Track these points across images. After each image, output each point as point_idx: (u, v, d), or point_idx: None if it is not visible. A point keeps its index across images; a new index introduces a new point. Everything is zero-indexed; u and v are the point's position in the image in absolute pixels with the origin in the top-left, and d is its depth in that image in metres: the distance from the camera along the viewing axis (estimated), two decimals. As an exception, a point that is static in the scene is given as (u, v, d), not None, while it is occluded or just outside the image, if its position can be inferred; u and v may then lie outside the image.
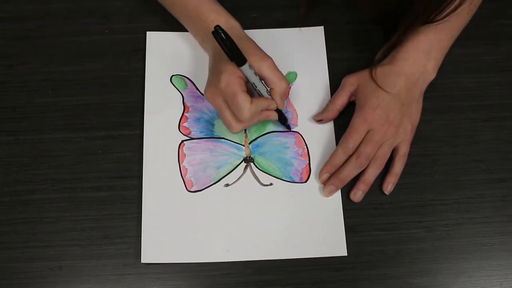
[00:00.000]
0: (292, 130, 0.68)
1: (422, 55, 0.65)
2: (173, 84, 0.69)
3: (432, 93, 0.68)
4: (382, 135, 0.63)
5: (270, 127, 0.68)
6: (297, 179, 0.65)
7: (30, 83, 0.69)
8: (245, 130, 0.68)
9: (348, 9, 0.73)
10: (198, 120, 0.68)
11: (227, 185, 0.65)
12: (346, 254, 0.61)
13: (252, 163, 0.66)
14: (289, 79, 0.70)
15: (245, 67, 0.58)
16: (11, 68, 0.70)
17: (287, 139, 0.67)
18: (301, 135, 0.67)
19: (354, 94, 0.66)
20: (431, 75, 0.66)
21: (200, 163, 0.65)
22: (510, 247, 0.63)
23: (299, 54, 0.71)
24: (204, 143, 0.67)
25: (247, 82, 0.60)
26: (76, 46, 0.71)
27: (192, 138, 0.67)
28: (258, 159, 0.66)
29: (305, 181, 0.65)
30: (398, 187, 0.65)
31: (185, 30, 0.70)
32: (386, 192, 0.64)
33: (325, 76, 0.70)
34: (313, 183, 0.65)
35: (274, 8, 0.73)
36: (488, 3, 0.69)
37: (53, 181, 0.65)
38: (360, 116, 0.64)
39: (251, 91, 0.61)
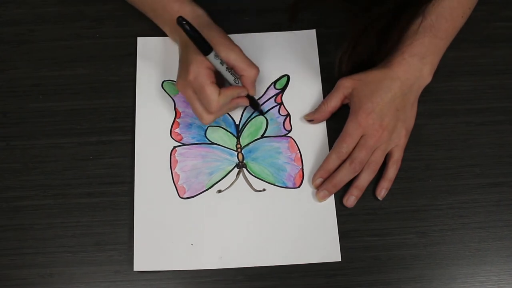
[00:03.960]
0: (285, 134, 0.67)
1: (417, 59, 0.64)
2: (164, 90, 0.69)
3: (426, 96, 0.67)
4: (376, 140, 0.63)
5: (263, 132, 0.67)
6: (290, 185, 0.65)
7: (21, 88, 0.69)
8: (238, 137, 0.67)
9: (340, 11, 0.72)
10: (190, 126, 0.67)
11: (219, 191, 0.64)
12: (340, 260, 0.61)
13: (244, 169, 0.66)
14: (281, 82, 0.69)
15: (211, 56, 0.58)
16: (1, 72, 0.70)
17: (280, 144, 0.67)
18: (294, 140, 0.67)
19: (348, 97, 0.66)
20: (426, 79, 0.65)
21: (192, 169, 0.65)
22: (504, 253, 0.62)
23: (291, 58, 0.70)
24: (196, 149, 0.66)
25: (216, 70, 0.61)
26: (67, 51, 0.70)
27: (184, 144, 0.66)
28: (251, 164, 0.66)
29: (298, 186, 0.65)
30: (391, 192, 0.64)
31: None
32: (379, 197, 0.64)
33: (317, 79, 0.69)
34: (306, 188, 0.64)
35: (266, 12, 0.73)
36: (483, 6, 0.68)
37: (44, 187, 0.64)
38: (354, 120, 0.63)
39: (222, 81, 0.62)
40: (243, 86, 0.63)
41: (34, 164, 0.65)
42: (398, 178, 0.65)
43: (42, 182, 0.65)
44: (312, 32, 0.72)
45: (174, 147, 0.66)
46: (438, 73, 0.66)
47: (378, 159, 0.63)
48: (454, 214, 0.64)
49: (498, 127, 0.68)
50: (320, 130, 0.67)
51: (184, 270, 0.61)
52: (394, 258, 0.62)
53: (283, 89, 0.69)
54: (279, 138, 0.67)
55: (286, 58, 0.70)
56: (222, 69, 0.60)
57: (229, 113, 0.68)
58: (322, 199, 0.63)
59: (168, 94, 0.69)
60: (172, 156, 0.66)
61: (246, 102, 0.65)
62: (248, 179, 0.65)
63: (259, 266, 0.61)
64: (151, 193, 0.64)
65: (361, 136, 0.63)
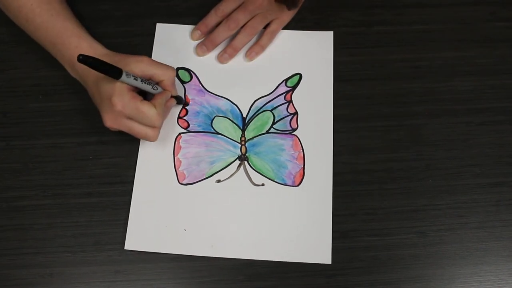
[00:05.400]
0: (290, 132, 0.67)
1: None
2: (177, 77, 0.69)
3: (426, 96, 0.67)
4: (257, 7, 0.67)
5: (269, 128, 0.68)
6: (289, 182, 0.65)
7: (21, 88, 0.69)
8: (244, 130, 0.67)
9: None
10: (197, 114, 0.68)
11: (219, 181, 0.65)
12: (330, 262, 0.61)
13: (246, 162, 0.66)
14: (292, 80, 0.70)
15: (124, 77, 0.58)
16: (2, 72, 0.70)
17: (284, 141, 0.67)
18: (298, 138, 0.67)
19: None
20: None
21: (194, 157, 0.66)
22: (504, 252, 0.62)
23: (306, 57, 0.71)
24: (201, 137, 0.67)
25: (136, 88, 0.61)
26: (67, 51, 0.70)
27: (189, 131, 0.67)
28: (253, 158, 0.66)
29: (298, 185, 0.65)
30: (391, 192, 0.64)
31: (194, 23, 0.71)
32: (248, 59, 0.70)
33: (329, 80, 0.69)
34: (305, 187, 0.65)
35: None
36: (482, 6, 0.68)
37: (44, 187, 0.64)
38: None
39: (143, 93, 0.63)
40: (165, 89, 0.63)
41: (34, 164, 0.65)
42: (398, 178, 0.65)
43: (42, 182, 0.65)
44: (330, 34, 0.72)
45: (180, 133, 0.67)
46: (438, 73, 0.66)
47: (255, 24, 0.68)
48: (453, 214, 0.64)
49: (498, 127, 0.68)
50: (326, 131, 0.67)
51: (184, 270, 0.61)
52: (394, 258, 0.62)
53: (294, 87, 0.70)
54: (284, 135, 0.67)
55: (300, 57, 0.71)
56: (139, 84, 0.60)
57: (238, 105, 0.69)
58: (198, 53, 0.70)
59: (180, 81, 0.69)
60: (176, 142, 0.66)
61: (174, 102, 0.66)
62: (248, 172, 0.65)
63: (251, 259, 0.61)
64: (152, 176, 0.65)
65: (244, 2, 0.68)
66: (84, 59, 0.54)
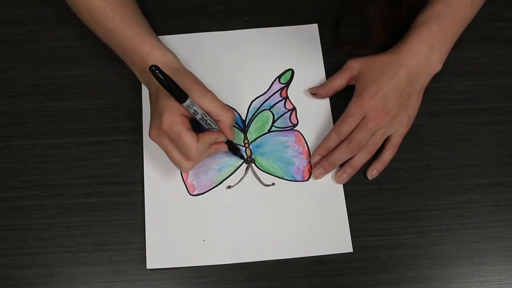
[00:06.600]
0: (291, 128, 0.67)
1: (425, 47, 0.64)
2: None
3: (426, 96, 0.67)
4: (377, 124, 0.63)
5: (270, 127, 0.68)
6: (299, 178, 0.65)
7: (21, 88, 0.69)
8: (245, 132, 0.67)
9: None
10: (196, 124, 0.67)
11: (229, 187, 0.65)
12: (352, 251, 0.61)
13: (253, 164, 0.66)
14: (285, 77, 0.70)
15: (187, 103, 0.56)
16: (2, 73, 0.70)
17: (287, 138, 0.67)
18: (301, 133, 0.67)
19: (354, 78, 0.66)
20: (435, 67, 0.65)
21: (201, 166, 0.65)
22: (504, 253, 0.62)
23: (294, 52, 0.71)
24: None
25: (192, 117, 0.59)
26: (68, 51, 0.71)
27: None
28: (259, 159, 0.66)
29: (307, 179, 0.65)
30: (391, 192, 0.64)
31: (185, 32, 0.71)
32: (370, 177, 0.65)
33: (321, 72, 0.70)
34: (315, 181, 0.65)
35: (266, 12, 0.73)
36: (483, 6, 0.68)
37: (44, 187, 0.64)
38: (357, 102, 0.64)
39: (198, 125, 0.60)
40: (221, 131, 0.61)
41: (34, 164, 0.65)
42: (398, 178, 0.65)
43: (42, 182, 0.65)
44: (314, 27, 0.72)
45: None
46: (438, 73, 0.66)
47: (377, 141, 0.64)
48: (454, 214, 0.64)
49: (498, 127, 0.68)
50: (326, 122, 0.67)
51: (183, 270, 0.61)
52: (394, 258, 0.62)
53: (288, 83, 0.70)
54: (286, 132, 0.67)
55: (289, 53, 0.71)
56: (197, 116, 0.58)
57: (235, 108, 0.68)
58: (318, 177, 0.64)
59: None
60: None
61: (224, 147, 0.63)
62: (257, 174, 0.65)
63: (268, 260, 0.61)
64: (161, 192, 0.64)
65: (362, 118, 0.64)
66: (155, 72, 0.53)
